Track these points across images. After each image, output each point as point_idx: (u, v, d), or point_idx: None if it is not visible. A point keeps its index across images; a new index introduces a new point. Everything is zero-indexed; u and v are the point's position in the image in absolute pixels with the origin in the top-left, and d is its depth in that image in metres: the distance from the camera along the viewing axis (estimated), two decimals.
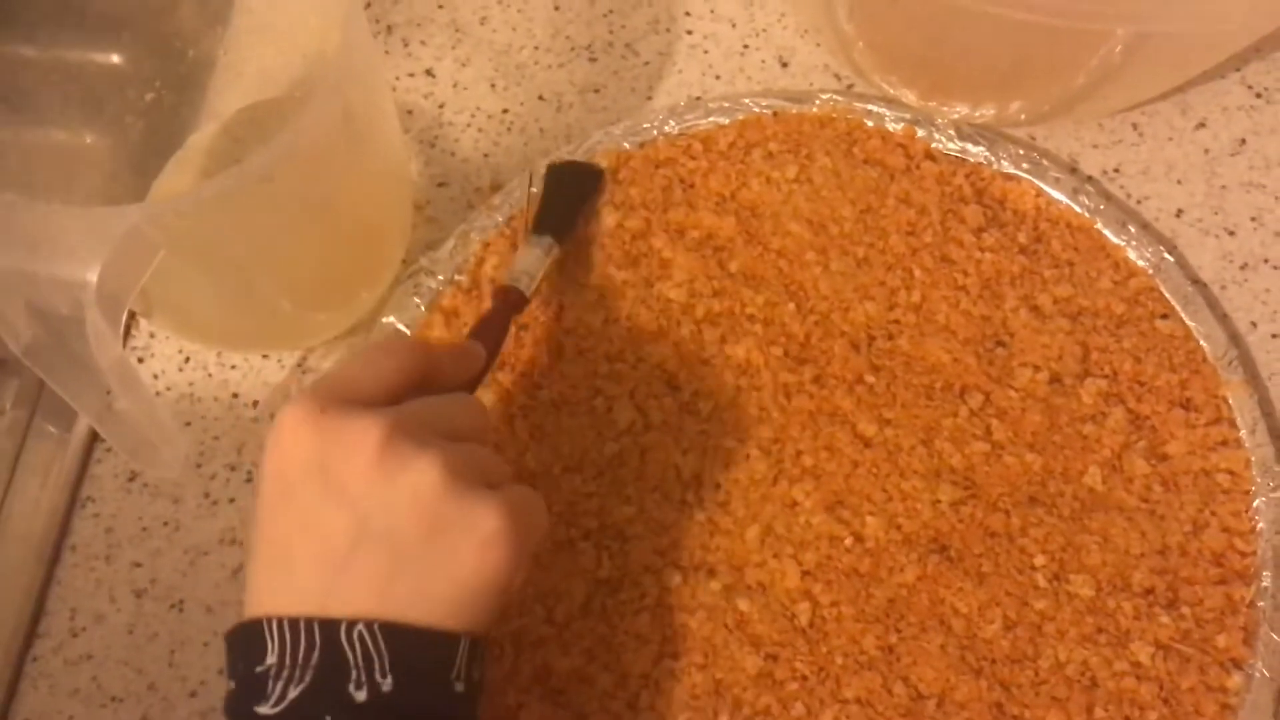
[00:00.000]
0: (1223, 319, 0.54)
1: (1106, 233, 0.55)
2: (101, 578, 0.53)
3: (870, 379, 0.53)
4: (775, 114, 0.59)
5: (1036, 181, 0.56)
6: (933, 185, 0.57)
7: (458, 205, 0.60)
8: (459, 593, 0.37)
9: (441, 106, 0.63)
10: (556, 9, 0.65)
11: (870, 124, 0.58)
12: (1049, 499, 0.50)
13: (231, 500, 0.54)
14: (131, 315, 0.58)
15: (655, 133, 0.59)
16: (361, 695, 0.36)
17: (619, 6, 0.65)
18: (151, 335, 0.58)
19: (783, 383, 0.53)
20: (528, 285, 0.52)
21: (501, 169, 0.61)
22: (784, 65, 0.62)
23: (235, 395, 0.57)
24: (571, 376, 0.53)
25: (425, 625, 0.37)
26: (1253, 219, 0.57)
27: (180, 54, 0.59)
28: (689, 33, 0.64)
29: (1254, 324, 0.55)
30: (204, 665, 0.51)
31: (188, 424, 0.56)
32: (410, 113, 0.63)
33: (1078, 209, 0.56)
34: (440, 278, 0.56)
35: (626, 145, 0.59)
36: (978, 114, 0.58)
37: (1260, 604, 0.48)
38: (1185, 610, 0.48)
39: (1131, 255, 0.55)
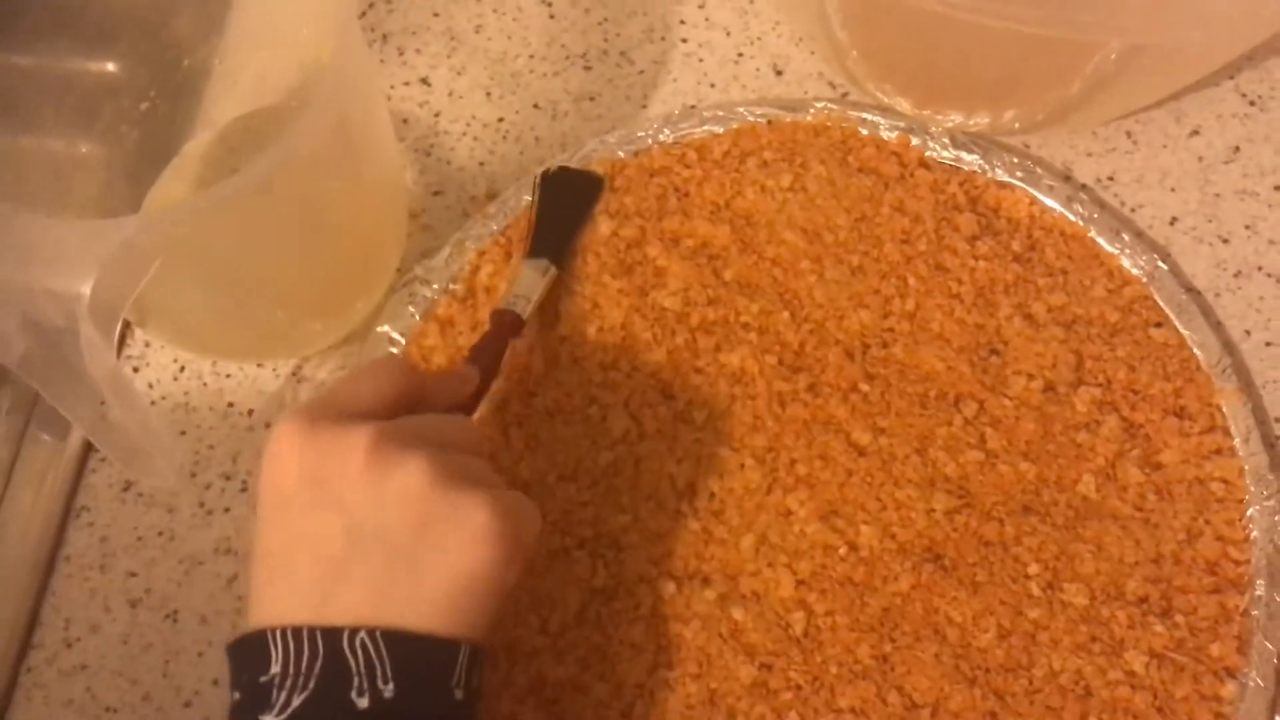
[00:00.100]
0: (1216, 327, 0.54)
1: (1100, 241, 0.55)
2: (96, 588, 0.53)
3: (864, 387, 0.53)
4: (770, 122, 0.59)
5: (1030, 190, 0.57)
6: (927, 193, 0.57)
7: (453, 214, 0.60)
8: (453, 591, 0.38)
9: (437, 115, 0.63)
10: (551, 17, 0.65)
11: (865, 132, 0.58)
12: (1043, 508, 0.50)
13: (227, 510, 0.54)
14: (126, 324, 0.58)
15: (650, 141, 0.59)
16: (364, 702, 0.36)
17: (614, 15, 0.65)
18: (147, 344, 0.58)
19: (777, 391, 0.53)
20: (524, 308, 0.52)
21: (497, 177, 0.61)
22: (778, 73, 0.62)
23: (230, 404, 0.57)
24: (566, 385, 0.53)
25: (425, 631, 0.37)
26: (1246, 227, 0.57)
27: (175, 63, 0.59)
28: (684, 41, 0.64)
29: (1248, 332, 0.55)
30: (198, 675, 0.51)
31: (183, 433, 0.56)
32: (406, 121, 0.63)
33: (1072, 217, 0.56)
34: (435, 286, 0.56)
35: (621, 154, 0.59)
36: (972, 122, 0.58)
37: (1254, 613, 0.48)
38: (1179, 619, 0.48)
39: (1125, 263, 0.55)
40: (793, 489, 0.51)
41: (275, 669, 0.37)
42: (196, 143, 0.60)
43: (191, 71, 0.60)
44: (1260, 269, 0.56)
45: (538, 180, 0.58)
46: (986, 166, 0.57)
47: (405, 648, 0.37)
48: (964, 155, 0.58)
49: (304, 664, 0.37)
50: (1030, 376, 0.52)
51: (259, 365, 0.57)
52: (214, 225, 0.44)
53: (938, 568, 0.49)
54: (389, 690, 0.36)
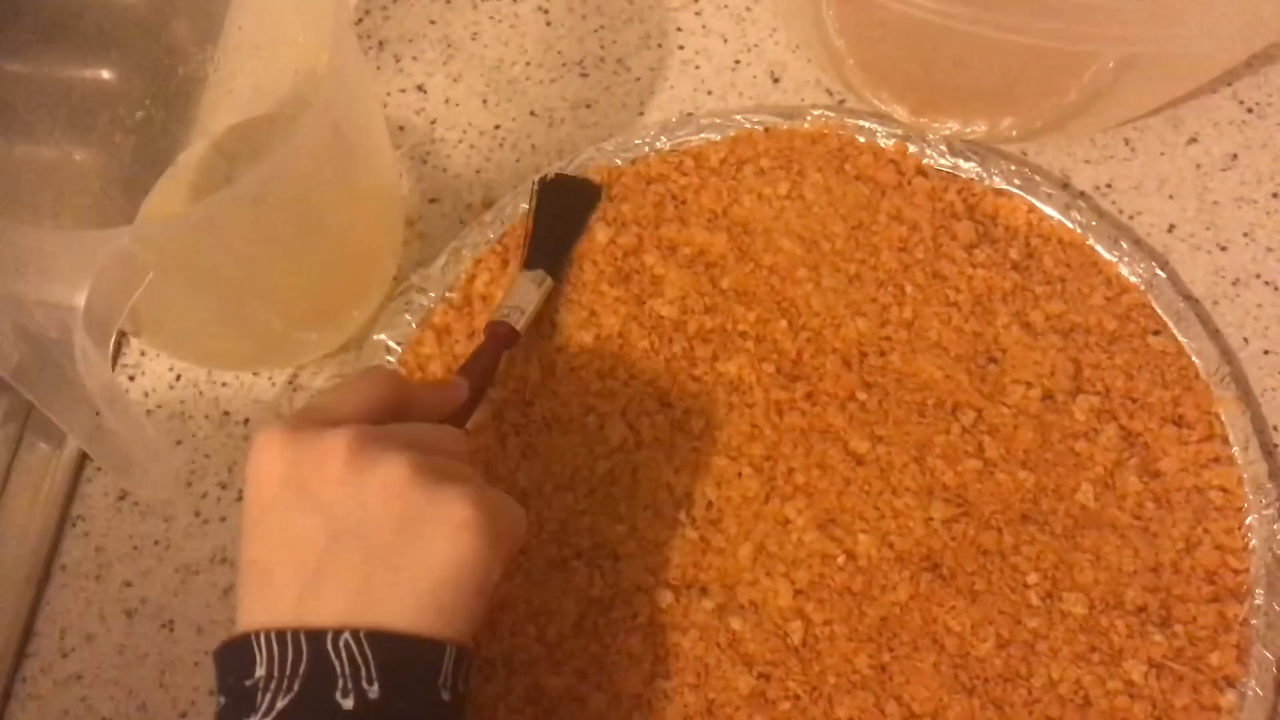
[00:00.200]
0: (1215, 335, 0.54)
1: (1098, 249, 0.55)
2: (91, 597, 0.53)
3: (862, 396, 0.53)
4: (767, 130, 0.59)
5: (1028, 197, 0.56)
6: (924, 201, 0.56)
7: (449, 221, 0.60)
8: (437, 586, 0.38)
9: (433, 122, 0.63)
10: (548, 24, 0.65)
11: (862, 140, 0.58)
12: (1041, 516, 0.50)
13: (223, 519, 0.54)
14: (122, 333, 0.58)
15: (647, 149, 0.59)
16: (349, 703, 0.36)
17: (610, 22, 0.65)
18: (142, 353, 0.58)
19: (774, 400, 0.52)
20: (519, 320, 0.52)
21: (493, 185, 0.61)
22: (775, 81, 0.62)
23: (226, 413, 0.56)
24: (563, 394, 0.53)
25: (409, 630, 0.37)
26: (1245, 234, 0.57)
27: (170, 71, 0.58)
28: (680, 48, 0.64)
29: (1246, 340, 0.55)
30: (194, 686, 0.51)
31: (179, 442, 0.56)
32: (402, 128, 0.63)
33: (1070, 225, 0.56)
34: (432, 295, 0.56)
35: (618, 161, 0.59)
36: (969, 130, 0.58)
37: (1253, 622, 0.48)
38: (1178, 628, 0.48)
39: (1123, 271, 0.55)
40: (790, 498, 0.51)
41: (260, 672, 0.37)
42: (191, 151, 0.60)
43: (187, 79, 0.59)
44: (1258, 276, 0.56)
45: (535, 188, 0.58)
46: (984, 174, 0.57)
47: (389, 647, 0.37)
48: (961, 163, 0.57)
49: (288, 666, 0.36)
50: (1028, 385, 0.52)
51: (255, 374, 0.57)
52: (209, 235, 0.44)
53: (936, 577, 0.49)
54: (374, 691, 0.36)
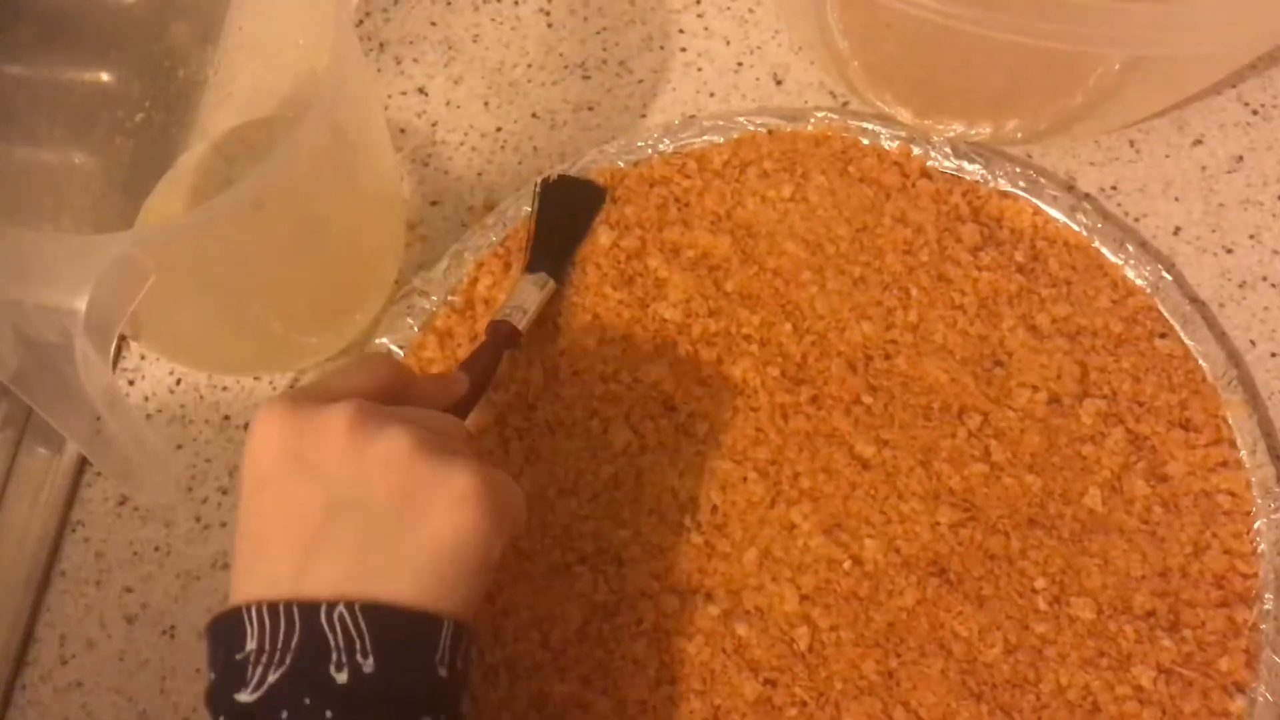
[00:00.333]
0: (1221, 338, 0.54)
1: (1104, 251, 0.55)
2: (91, 603, 0.53)
3: (868, 400, 0.52)
4: (770, 132, 0.59)
5: (1033, 200, 0.56)
6: (929, 204, 0.56)
7: (451, 224, 0.60)
8: (437, 558, 0.37)
9: (434, 125, 0.62)
10: (549, 26, 0.65)
11: (866, 142, 0.58)
12: (1049, 521, 0.50)
13: (224, 524, 0.54)
14: (122, 337, 0.57)
15: (650, 151, 0.59)
16: (342, 677, 0.35)
17: (612, 24, 0.64)
18: (142, 357, 0.58)
19: (780, 403, 0.52)
20: (521, 320, 0.52)
21: (495, 188, 0.60)
22: (778, 83, 0.62)
23: (227, 418, 0.56)
24: (566, 398, 0.53)
25: (406, 603, 0.36)
26: (1251, 236, 0.57)
27: (170, 73, 0.58)
28: (683, 50, 0.63)
29: (1253, 342, 0.55)
30: (196, 692, 0.51)
31: (179, 447, 0.55)
32: (403, 131, 0.62)
33: (1075, 227, 0.56)
34: (434, 298, 0.56)
35: (621, 164, 0.58)
36: (974, 132, 0.57)
37: (1263, 626, 0.48)
38: (1187, 633, 0.48)
39: (1129, 274, 0.55)
40: (796, 502, 0.50)
41: (251, 645, 0.36)
42: (191, 154, 0.59)
43: (187, 82, 0.59)
44: (1265, 279, 0.56)
45: (537, 189, 0.57)
46: (989, 176, 0.57)
47: (385, 620, 0.36)
48: (966, 165, 0.57)
49: (280, 639, 0.36)
50: (1034, 388, 0.52)
51: (256, 378, 0.57)
52: (210, 239, 0.44)
53: (943, 582, 0.49)
54: (369, 664, 0.35)
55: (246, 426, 0.56)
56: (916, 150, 0.57)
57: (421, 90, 0.64)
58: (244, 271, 0.48)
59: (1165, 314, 0.54)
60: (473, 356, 0.50)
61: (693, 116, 0.61)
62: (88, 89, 0.57)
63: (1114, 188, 0.58)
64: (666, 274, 0.55)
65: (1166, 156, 0.59)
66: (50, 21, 0.54)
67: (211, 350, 0.55)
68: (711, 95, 0.62)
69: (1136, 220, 0.57)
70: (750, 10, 0.64)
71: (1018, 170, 0.57)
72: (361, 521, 0.37)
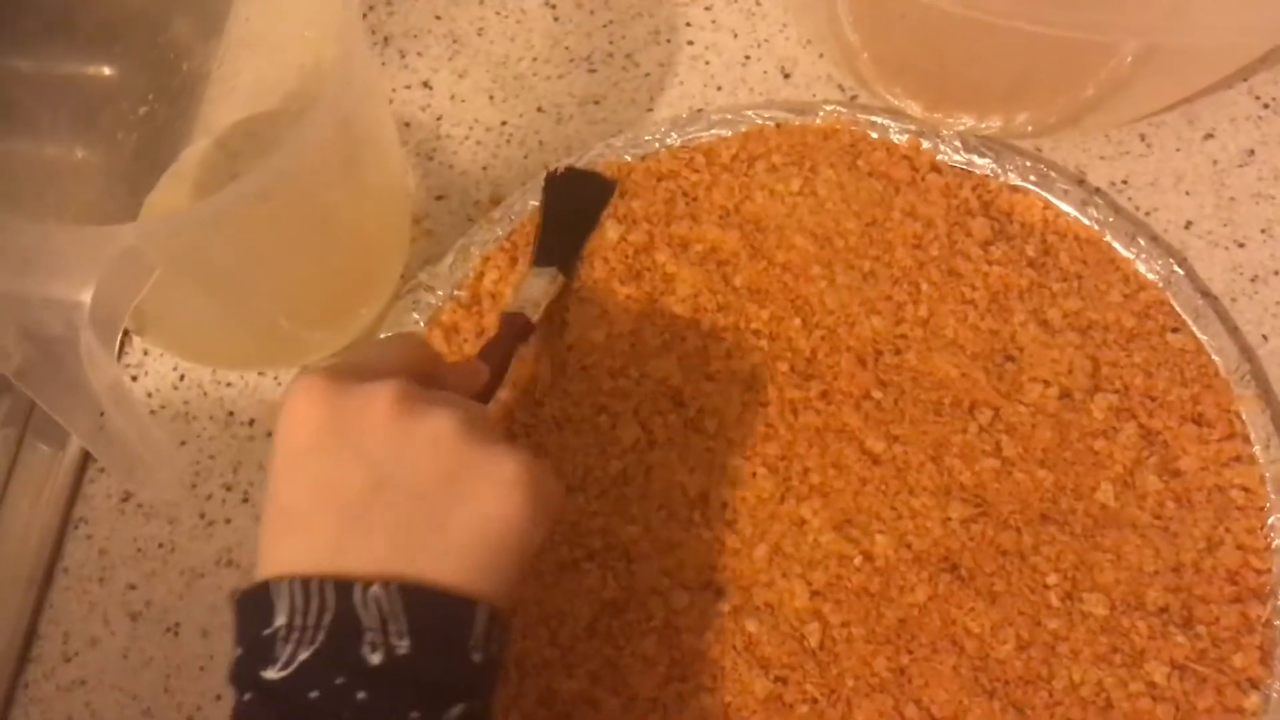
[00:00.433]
0: (1234, 332, 0.54)
1: (1115, 245, 0.55)
2: (95, 601, 0.52)
3: (878, 395, 0.52)
4: (778, 126, 0.58)
5: (1044, 194, 0.56)
6: (939, 198, 0.56)
7: (457, 219, 0.59)
8: (480, 542, 0.36)
9: (439, 119, 0.62)
10: (555, 20, 0.64)
11: (875, 136, 0.58)
12: (1061, 516, 0.49)
13: (228, 521, 0.53)
14: (124, 332, 0.57)
15: (657, 145, 0.58)
16: (376, 658, 0.34)
17: (619, 17, 0.64)
18: (145, 353, 0.57)
19: (789, 399, 0.52)
20: (533, 313, 0.51)
21: (501, 182, 0.60)
22: (786, 76, 0.62)
23: (231, 414, 0.55)
24: (574, 394, 0.52)
25: (444, 585, 0.36)
26: (1262, 230, 0.56)
27: (174, 67, 0.58)
28: (690, 43, 0.63)
29: (1265, 337, 0.54)
30: (200, 690, 0.50)
31: (183, 443, 0.55)
32: (407, 125, 0.62)
33: (1086, 221, 0.55)
34: (440, 293, 0.55)
35: (628, 157, 0.58)
36: (984, 126, 0.57)
37: (1276, 622, 0.47)
38: (1200, 629, 0.47)
39: (1141, 268, 0.54)
40: (806, 498, 0.50)
41: (280, 621, 0.35)
42: (195, 148, 0.59)
43: (190, 76, 0.59)
44: (1277, 273, 0.55)
45: (545, 182, 0.57)
46: (999, 170, 0.56)
47: (424, 602, 0.35)
48: (976, 159, 0.57)
49: (312, 616, 0.34)
50: (1046, 383, 0.52)
51: (260, 374, 0.56)
52: (216, 232, 0.43)
53: (955, 578, 0.48)
54: (404, 646, 0.35)
55: (252, 423, 0.55)
56: (926, 144, 0.57)
57: (426, 84, 0.63)
58: (249, 266, 0.48)
59: (1177, 308, 0.53)
60: (488, 348, 0.49)
61: (700, 110, 0.60)
62: (91, 82, 0.57)
63: (1125, 182, 0.58)
64: (675, 269, 0.55)
65: (1177, 150, 0.59)
66: (53, 14, 0.54)
67: (216, 345, 0.55)
68: (719, 89, 0.62)
69: (1147, 214, 0.57)
70: (758, 3, 0.64)
71: (1028, 164, 0.56)
72: (405, 501, 0.36)
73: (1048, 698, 0.46)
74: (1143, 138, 0.59)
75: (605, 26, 0.64)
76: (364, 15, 0.65)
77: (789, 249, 0.55)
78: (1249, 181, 0.58)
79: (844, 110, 0.58)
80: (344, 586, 0.35)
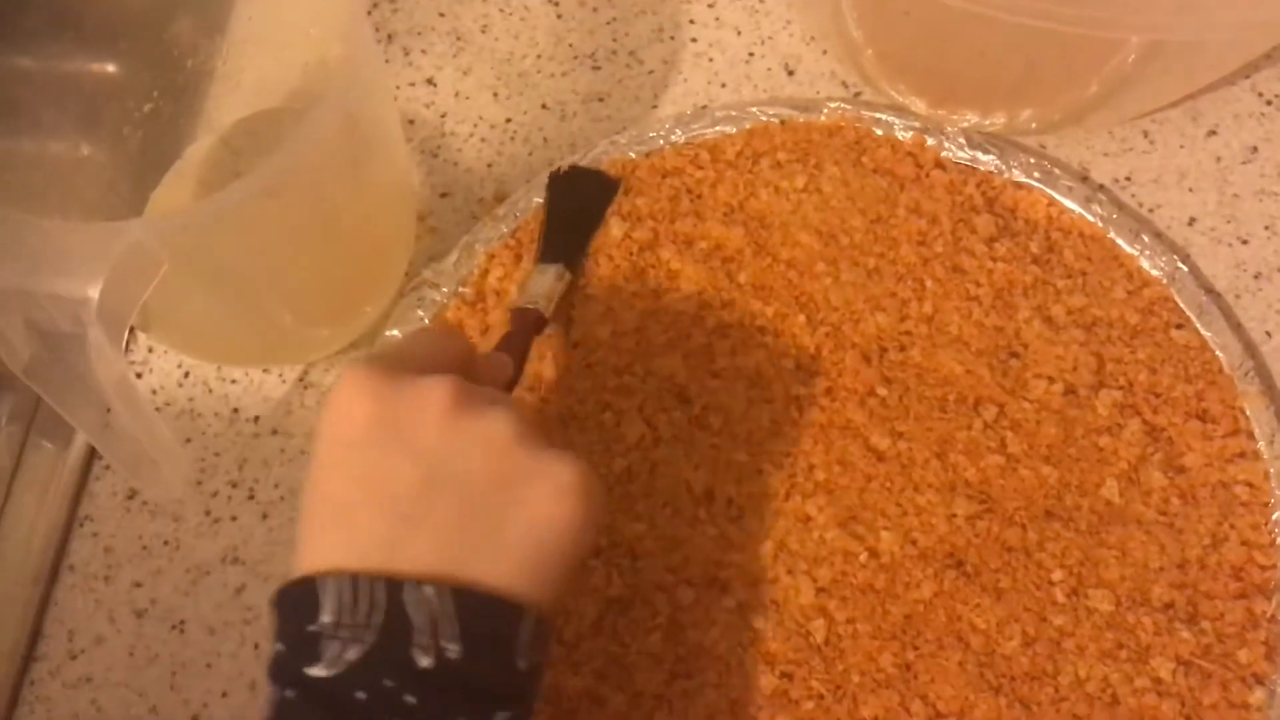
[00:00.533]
0: (1237, 329, 0.54)
1: (1119, 242, 0.55)
2: (101, 598, 0.52)
3: (882, 391, 0.52)
4: (783, 123, 0.58)
5: (1048, 190, 0.56)
6: (943, 194, 0.56)
7: (461, 216, 0.59)
8: (533, 547, 0.36)
9: (443, 116, 0.62)
10: (559, 17, 0.64)
11: (879, 133, 0.58)
12: (1066, 512, 0.49)
13: (233, 518, 0.53)
14: (129, 329, 0.57)
15: (661, 142, 0.58)
16: (426, 661, 0.34)
17: (622, 14, 0.64)
18: (150, 350, 0.57)
19: (794, 395, 0.52)
20: (545, 307, 0.51)
21: (505, 179, 0.60)
22: (790, 73, 0.62)
23: (236, 411, 0.56)
24: (579, 391, 0.53)
25: (495, 589, 0.35)
26: (1266, 227, 0.57)
27: (179, 64, 0.58)
28: (693, 40, 0.63)
29: (1268, 334, 0.54)
30: (206, 688, 0.50)
31: (188, 440, 0.55)
32: (412, 122, 0.62)
33: (1090, 218, 0.55)
34: (444, 290, 0.55)
35: (632, 154, 0.58)
36: (988, 122, 0.57)
37: None
38: (1206, 625, 0.47)
39: (1145, 265, 0.54)
40: (811, 494, 0.50)
41: (326, 618, 0.34)
42: (199, 146, 0.59)
43: (195, 73, 0.59)
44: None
45: (549, 180, 0.57)
46: (1003, 167, 0.56)
47: (476, 605, 0.35)
48: (980, 155, 0.57)
49: (361, 615, 0.34)
50: (1051, 379, 0.52)
51: (265, 371, 0.56)
52: (222, 229, 0.43)
53: (960, 574, 0.48)
54: (454, 650, 0.34)
55: (257, 420, 0.55)
56: (930, 141, 0.57)
57: (430, 81, 0.63)
58: (255, 262, 0.48)
59: (1181, 305, 0.53)
60: (505, 342, 0.49)
61: (704, 107, 0.60)
62: (95, 80, 0.57)
63: (1128, 178, 0.58)
64: (679, 266, 0.55)
65: (1181, 147, 0.59)
66: (58, 11, 0.54)
67: (221, 342, 0.55)
68: (723, 86, 0.62)
69: (1151, 211, 0.57)
70: (761, 0, 0.64)
71: (1032, 161, 0.56)
72: (459, 501, 0.35)
73: (1053, 693, 0.46)
74: (1146, 134, 0.59)
75: (609, 24, 0.64)
76: (368, 12, 0.65)
77: (794, 246, 0.55)
78: (1252, 178, 0.58)
79: (848, 107, 0.58)
80: (395, 586, 0.34)
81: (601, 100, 0.62)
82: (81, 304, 0.39)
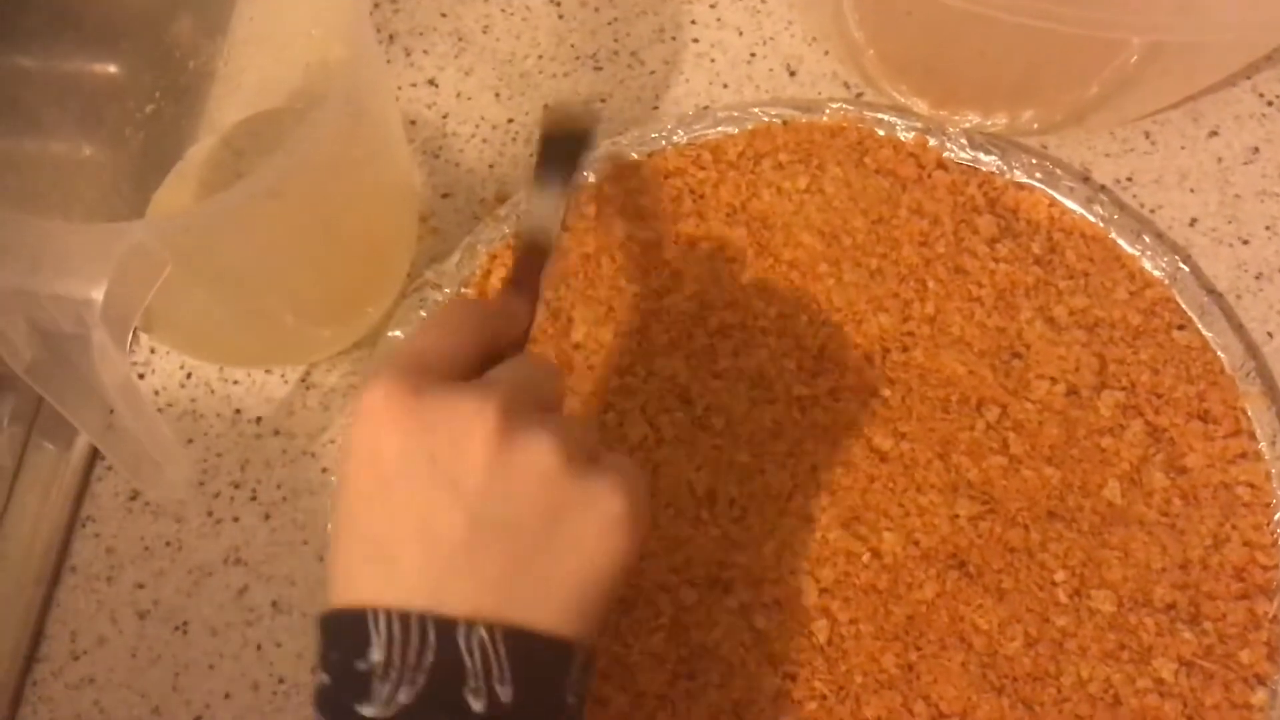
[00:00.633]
0: (1239, 329, 0.54)
1: (1121, 242, 0.55)
2: (103, 599, 0.52)
3: (885, 392, 0.52)
4: (785, 123, 0.58)
5: (1050, 191, 0.56)
6: (945, 195, 0.56)
7: (463, 217, 0.59)
8: (582, 586, 0.35)
9: (445, 117, 0.62)
10: (560, 18, 0.64)
11: (881, 133, 0.58)
12: (1068, 513, 0.49)
13: (236, 519, 0.53)
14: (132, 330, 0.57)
15: (663, 142, 0.58)
16: (479, 704, 0.33)
17: (623, 15, 0.64)
18: (152, 351, 0.57)
19: (797, 396, 0.52)
20: (546, 240, 0.47)
21: (507, 180, 0.60)
22: (792, 74, 0.62)
23: (238, 411, 0.55)
24: (581, 391, 0.53)
25: (544, 629, 0.35)
26: (1267, 228, 0.57)
27: (180, 65, 0.58)
28: (695, 41, 0.63)
29: (1270, 334, 0.54)
30: (209, 689, 0.50)
31: (190, 441, 0.55)
32: (413, 123, 0.62)
33: (1092, 219, 0.55)
34: (447, 291, 0.55)
35: (634, 155, 0.58)
36: (990, 123, 0.57)
37: None
38: (1208, 625, 0.47)
39: (1146, 265, 0.54)
40: (814, 495, 0.50)
41: (377, 657, 0.33)
42: (201, 146, 0.59)
43: (196, 73, 0.59)
44: None
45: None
46: (1005, 167, 0.56)
47: (528, 648, 0.34)
48: (982, 156, 0.57)
49: (412, 655, 0.33)
50: (1053, 380, 0.52)
51: (267, 371, 0.56)
52: (225, 229, 0.43)
53: (962, 574, 0.48)
54: (506, 693, 0.33)
55: (259, 421, 0.55)
56: (932, 141, 0.57)
57: (432, 82, 0.63)
58: (257, 263, 0.48)
59: (1183, 305, 0.53)
60: (514, 280, 0.46)
61: (706, 108, 0.60)
62: (96, 80, 0.56)
63: (1129, 179, 0.58)
64: (682, 266, 0.55)
65: (1182, 148, 0.59)
66: (59, 12, 0.54)
67: (223, 343, 0.55)
68: (725, 86, 0.62)
69: (1152, 212, 0.57)
70: (762, 1, 0.64)
71: (1034, 161, 0.56)
72: (508, 543, 0.35)
73: (1056, 694, 0.46)
74: (1147, 135, 0.59)
75: (610, 24, 0.64)
76: (370, 13, 0.65)
77: (796, 246, 0.55)
78: (1253, 179, 0.58)
79: (850, 108, 0.58)
80: (446, 626, 0.34)
81: (603, 100, 0.62)
82: (84, 305, 0.38)
